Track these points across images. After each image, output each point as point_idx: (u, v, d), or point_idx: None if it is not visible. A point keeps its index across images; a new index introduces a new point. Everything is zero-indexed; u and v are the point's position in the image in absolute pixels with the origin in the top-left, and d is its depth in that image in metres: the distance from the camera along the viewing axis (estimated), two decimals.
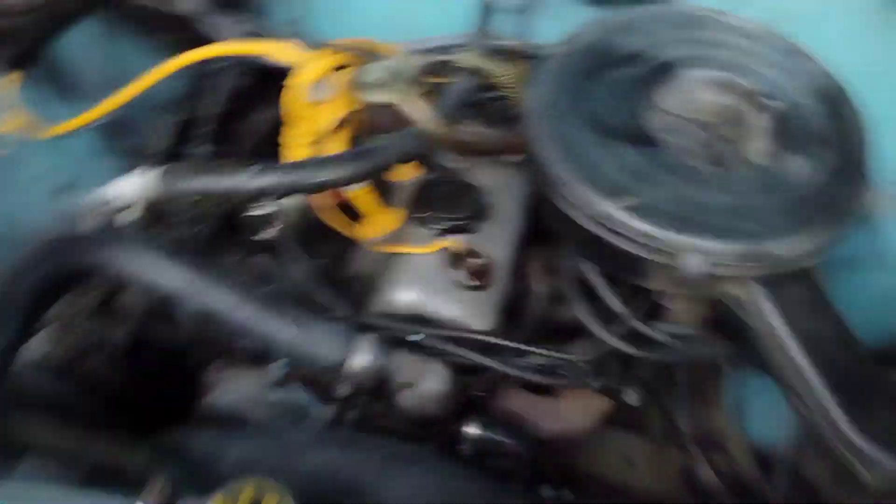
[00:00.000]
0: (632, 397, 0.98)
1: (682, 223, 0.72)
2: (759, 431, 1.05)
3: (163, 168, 0.82)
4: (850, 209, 0.75)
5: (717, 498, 1.07)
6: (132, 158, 1.04)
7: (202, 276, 0.77)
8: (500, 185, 0.99)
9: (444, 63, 0.94)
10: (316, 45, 1.01)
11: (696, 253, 0.70)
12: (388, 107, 0.90)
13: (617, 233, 0.73)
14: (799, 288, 0.73)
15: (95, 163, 1.09)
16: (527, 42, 1.20)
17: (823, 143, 0.81)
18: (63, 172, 1.02)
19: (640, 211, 0.72)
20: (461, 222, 0.88)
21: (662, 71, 0.87)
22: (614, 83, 0.85)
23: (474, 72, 0.93)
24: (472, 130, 0.90)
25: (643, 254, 0.73)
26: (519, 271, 0.92)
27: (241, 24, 1.11)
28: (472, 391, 0.87)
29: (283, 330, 0.78)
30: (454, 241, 0.88)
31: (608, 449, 1.16)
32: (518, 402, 0.95)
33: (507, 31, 1.18)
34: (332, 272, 0.96)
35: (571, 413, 0.97)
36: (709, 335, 0.85)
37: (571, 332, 0.93)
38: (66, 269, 0.75)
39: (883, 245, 1.15)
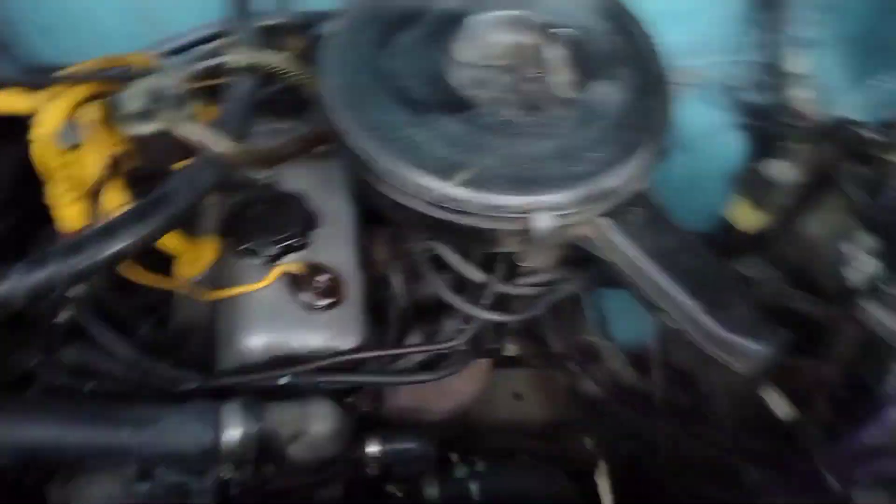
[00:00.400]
0: (511, 349, 0.99)
1: (519, 183, 0.69)
2: (626, 334, 1.12)
3: None
4: (663, 122, 0.78)
5: (603, 405, 1.14)
6: None
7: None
8: (318, 183, 0.90)
9: (213, 67, 0.81)
10: (42, 76, 0.83)
11: (542, 211, 0.68)
12: (161, 135, 0.76)
13: (459, 211, 0.69)
14: (640, 211, 0.75)
15: None
16: (294, 14, 1.09)
17: (619, 61, 0.82)
18: None
19: (476, 183, 0.69)
20: (292, 240, 0.80)
21: (449, 22, 0.82)
22: (407, 48, 0.79)
23: (249, 69, 0.82)
24: (269, 142, 0.79)
25: (490, 225, 0.70)
26: (369, 268, 0.86)
27: None
28: (361, 410, 0.82)
29: (132, 433, 0.66)
30: (291, 264, 0.79)
31: (496, 392, 1.18)
32: (405, 397, 0.91)
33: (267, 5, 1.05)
34: (158, 338, 0.83)
35: (459, 386, 0.96)
36: (566, 273, 0.86)
37: (438, 310, 0.90)
38: None
39: (681, 129, 1.24)
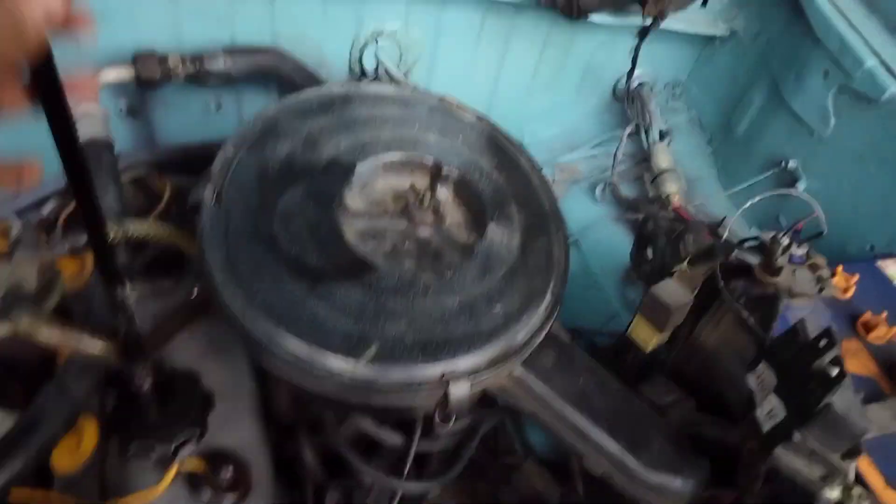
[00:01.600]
0: (435, 490, 0.95)
1: (430, 350, 0.67)
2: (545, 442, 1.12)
3: None
4: (561, 261, 0.78)
5: None
6: None
7: None
8: (207, 353, 0.83)
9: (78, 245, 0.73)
10: None
11: (458, 379, 0.66)
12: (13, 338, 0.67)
13: (371, 390, 0.65)
14: (550, 353, 0.75)
15: None
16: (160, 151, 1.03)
17: (510, 198, 0.82)
18: None
19: (386, 357, 0.65)
20: (187, 431, 0.72)
21: (337, 173, 0.79)
22: (295, 208, 0.75)
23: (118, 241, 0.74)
24: (147, 329, 0.72)
25: (404, 402, 0.67)
26: (273, 424, 0.80)
27: None
28: None
29: None
30: (189, 460, 0.71)
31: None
32: None
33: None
34: None
35: None
36: (483, 414, 0.84)
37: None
38: None
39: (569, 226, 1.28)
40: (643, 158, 1.30)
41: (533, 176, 0.86)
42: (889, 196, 1.02)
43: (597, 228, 1.27)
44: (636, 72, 1.33)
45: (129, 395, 0.71)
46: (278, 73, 1.01)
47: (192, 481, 0.70)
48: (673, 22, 1.17)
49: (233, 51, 0.98)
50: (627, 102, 1.36)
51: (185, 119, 1.09)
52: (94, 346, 0.64)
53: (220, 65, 0.95)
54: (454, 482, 1.21)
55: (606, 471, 0.73)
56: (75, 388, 0.63)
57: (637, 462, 0.72)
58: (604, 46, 1.30)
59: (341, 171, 0.79)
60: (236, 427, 0.77)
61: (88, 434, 0.77)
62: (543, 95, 1.34)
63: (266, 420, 0.81)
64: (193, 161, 1.03)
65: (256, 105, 1.12)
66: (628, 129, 1.31)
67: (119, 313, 0.54)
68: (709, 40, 1.34)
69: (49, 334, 0.63)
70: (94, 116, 0.85)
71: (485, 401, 0.84)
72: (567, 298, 1.24)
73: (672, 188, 1.20)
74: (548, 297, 0.75)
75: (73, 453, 0.76)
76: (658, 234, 1.02)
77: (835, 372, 0.60)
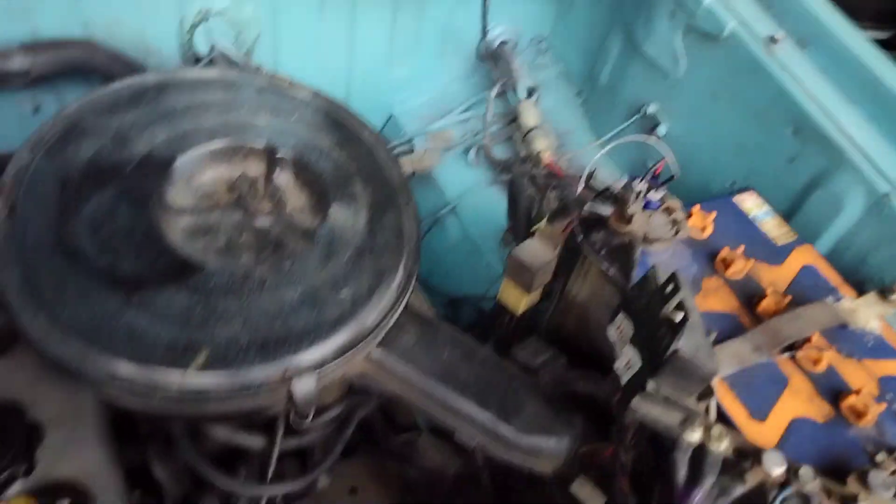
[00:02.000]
0: (323, 481, 0.91)
1: (269, 349, 0.62)
2: None
3: None
4: (411, 234, 0.74)
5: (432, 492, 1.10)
6: None
7: None
8: (32, 380, 0.74)
9: None
10: None
11: (302, 374, 0.61)
12: None
13: (207, 400, 0.60)
14: (411, 330, 0.71)
15: None
16: None
17: (353, 176, 0.77)
18: None
19: (218, 362, 0.60)
20: (11, 468, 0.64)
21: (155, 168, 0.72)
22: (106, 211, 0.67)
23: None
24: None
25: (246, 405, 0.61)
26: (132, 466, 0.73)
27: None
28: None
29: None
30: (15, 499, 0.64)
31: (332, 488, 1.11)
32: None
33: None
34: None
35: None
36: (356, 400, 0.80)
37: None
38: None
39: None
40: (513, 118, 1.27)
41: (378, 150, 0.82)
42: (742, 131, 1.04)
43: (473, 194, 1.24)
44: (497, 30, 1.30)
45: None
46: (92, 67, 0.91)
47: None
48: None
49: (33, 46, 0.88)
50: (492, 62, 1.33)
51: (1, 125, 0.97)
52: None
53: (16, 64, 0.85)
54: (362, 463, 1.18)
55: (480, 441, 0.71)
56: None
57: (509, 428, 0.70)
58: (460, 6, 1.26)
59: (158, 167, 0.72)
60: (77, 454, 0.69)
61: None
62: (405, 63, 1.29)
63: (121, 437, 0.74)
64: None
65: None
66: (495, 90, 1.28)
67: None
68: None
69: None
70: None
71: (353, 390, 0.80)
72: (450, 266, 1.21)
73: (542, 145, 1.18)
74: (399, 273, 0.71)
75: None
76: (524, 193, 0.99)
77: (679, 317, 0.59)
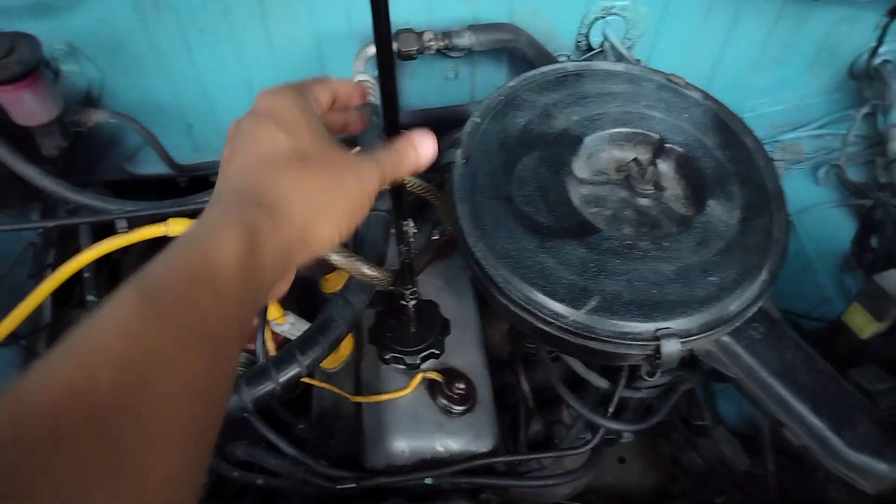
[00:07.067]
0: (628, 436, 1.03)
1: (645, 309, 0.74)
2: (736, 414, 1.14)
3: None
4: (780, 241, 0.81)
5: (709, 483, 1.16)
6: None
7: None
8: (444, 287, 0.98)
9: None
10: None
11: (669, 338, 0.73)
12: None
13: (588, 336, 0.75)
14: (759, 327, 0.79)
15: None
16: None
17: (732, 176, 0.86)
18: None
19: (605, 310, 0.74)
20: (431, 348, 0.87)
21: (568, 143, 0.88)
22: (528, 174, 0.85)
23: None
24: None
25: (617, 350, 0.75)
26: (493, 363, 0.93)
27: None
28: None
29: None
30: (431, 372, 0.87)
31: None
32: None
33: None
34: (308, 432, 0.92)
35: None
36: (684, 374, 0.91)
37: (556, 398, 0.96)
38: None
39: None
40: (877, 142, 1.22)
41: (757, 156, 0.89)
42: None
43: (816, 212, 1.23)
44: (880, 49, 1.24)
45: (391, 312, 0.87)
46: (513, 47, 1.12)
47: (431, 389, 0.86)
48: None
49: (476, 27, 1.10)
50: (865, 81, 1.27)
51: (426, 87, 1.24)
52: (369, 271, 0.80)
53: (465, 40, 1.08)
54: (638, 440, 1.30)
55: (806, 444, 0.76)
56: (356, 301, 0.80)
57: (839, 440, 0.74)
58: (844, 22, 1.22)
59: (571, 142, 0.88)
60: (465, 351, 0.91)
61: (346, 341, 0.96)
62: (769, 71, 1.30)
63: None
64: (433, 123, 1.19)
65: (487, 74, 1.24)
66: (864, 110, 1.23)
67: (403, 243, 0.69)
68: None
69: (337, 259, 0.81)
70: (368, 85, 1.02)
71: (685, 364, 0.90)
72: (781, 283, 1.23)
73: None
74: (763, 274, 0.78)
75: (334, 355, 0.96)
76: (887, 223, 0.98)
77: None
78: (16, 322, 0.84)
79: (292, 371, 0.74)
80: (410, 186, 0.95)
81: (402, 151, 0.52)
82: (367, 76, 1.04)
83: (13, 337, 1.02)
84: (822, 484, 0.98)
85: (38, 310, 1.13)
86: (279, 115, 0.45)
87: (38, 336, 1.12)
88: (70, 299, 1.20)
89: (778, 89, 1.33)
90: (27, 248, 1.11)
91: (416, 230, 1.01)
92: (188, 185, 1.31)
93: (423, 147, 0.53)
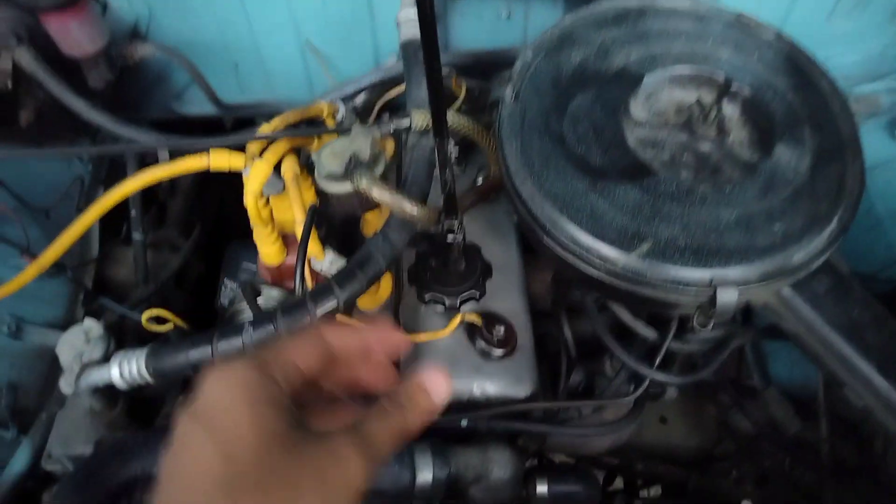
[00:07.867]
0: (671, 392, 1.00)
1: (702, 256, 0.70)
2: (790, 376, 1.10)
3: (144, 352, 0.75)
4: (852, 191, 0.75)
5: (758, 447, 1.12)
6: None
7: None
8: (487, 230, 0.96)
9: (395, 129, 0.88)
10: (247, 135, 0.92)
11: (726, 286, 0.69)
12: (352, 194, 0.84)
13: (639, 282, 0.71)
14: (824, 280, 0.74)
15: None
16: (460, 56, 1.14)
17: (803, 121, 0.80)
18: None
19: (657, 255, 0.70)
20: (471, 290, 0.85)
21: (626, 82, 0.83)
22: (584, 111, 0.81)
23: (427, 131, 0.87)
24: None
25: (670, 297, 0.71)
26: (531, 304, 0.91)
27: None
28: (529, 451, 0.86)
29: None
30: (471, 314, 0.85)
31: (649, 408, 1.19)
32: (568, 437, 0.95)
33: None
34: None
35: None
36: (736, 328, 0.86)
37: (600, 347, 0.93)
38: None
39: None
40: None
41: (833, 101, 0.82)
42: None
43: (890, 168, 1.14)
44: None
45: (432, 251, 0.85)
46: None
47: (470, 332, 0.84)
48: None
49: None
50: None
51: (477, 26, 1.19)
52: (411, 208, 0.78)
53: None
54: (681, 400, 1.25)
55: (869, 404, 0.72)
56: (395, 238, 0.78)
57: None
58: None
59: (629, 81, 0.83)
60: (506, 297, 0.89)
61: (385, 282, 0.94)
62: (847, 19, 1.20)
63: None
64: (483, 66, 1.15)
65: (541, 15, 1.18)
66: None
67: (446, 169, 0.65)
68: None
69: (380, 194, 0.79)
70: (415, 21, 0.98)
71: (738, 319, 0.86)
72: (848, 241, 1.16)
73: None
74: (833, 224, 0.73)
75: (372, 295, 0.95)
76: None
77: None
78: (61, 249, 0.85)
79: (330, 303, 0.73)
80: (455, 126, 0.92)
81: (411, 398, 0.41)
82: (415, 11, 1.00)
83: (61, 268, 1.04)
84: (880, 453, 0.93)
85: (87, 243, 1.15)
86: (214, 417, 0.34)
87: (85, 269, 1.14)
88: (117, 235, 1.21)
89: (854, 38, 1.23)
90: (75, 182, 1.12)
91: (458, 159, 0.98)
92: (233, 126, 1.30)
93: (436, 389, 0.42)
